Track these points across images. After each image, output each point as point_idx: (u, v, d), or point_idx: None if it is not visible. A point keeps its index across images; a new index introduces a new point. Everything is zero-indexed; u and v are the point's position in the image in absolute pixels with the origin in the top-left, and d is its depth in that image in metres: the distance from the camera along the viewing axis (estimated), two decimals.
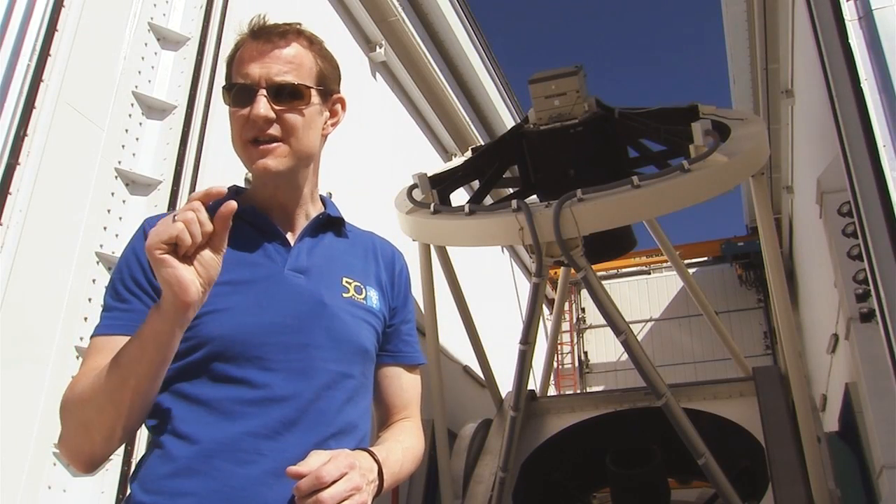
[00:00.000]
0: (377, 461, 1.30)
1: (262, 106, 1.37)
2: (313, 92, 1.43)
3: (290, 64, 1.41)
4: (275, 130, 1.39)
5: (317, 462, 1.18)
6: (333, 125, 1.53)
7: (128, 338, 1.29)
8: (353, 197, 4.67)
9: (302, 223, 1.50)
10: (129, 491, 1.36)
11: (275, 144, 1.39)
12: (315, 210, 1.53)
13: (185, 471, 1.24)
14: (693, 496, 5.72)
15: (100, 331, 1.35)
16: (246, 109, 1.38)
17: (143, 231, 1.41)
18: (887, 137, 2.61)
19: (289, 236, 1.47)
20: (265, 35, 1.42)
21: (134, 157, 3.21)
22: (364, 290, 1.47)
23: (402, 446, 1.45)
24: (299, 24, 1.47)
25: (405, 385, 1.57)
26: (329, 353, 1.36)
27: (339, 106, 1.53)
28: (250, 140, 1.39)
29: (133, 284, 1.36)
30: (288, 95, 1.39)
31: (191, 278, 1.16)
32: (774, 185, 8.79)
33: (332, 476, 1.16)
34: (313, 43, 1.47)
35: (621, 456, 4.78)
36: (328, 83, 1.48)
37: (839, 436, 4.58)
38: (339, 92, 1.53)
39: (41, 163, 2.61)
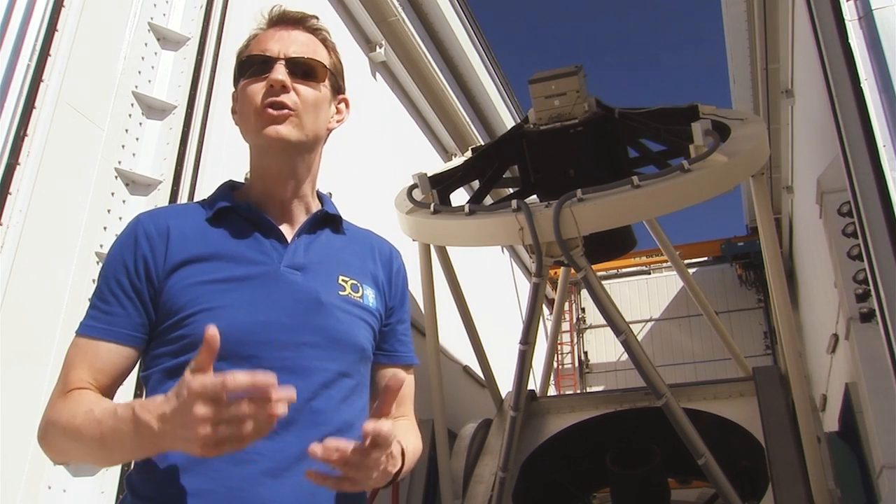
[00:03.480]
0: (403, 454, 1.32)
1: (281, 73, 1.39)
2: (328, 75, 1.47)
3: (307, 46, 1.45)
4: (289, 100, 1.40)
5: (386, 427, 1.17)
6: (338, 122, 1.54)
7: (104, 343, 1.32)
8: (353, 196, 4.67)
9: (299, 220, 1.49)
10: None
11: (287, 111, 1.40)
12: (313, 207, 1.52)
13: (182, 471, 1.24)
14: (693, 496, 5.72)
15: (81, 330, 1.36)
16: (263, 77, 1.40)
17: (134, 231, 1.40)
18: (887, 137, 2.61)
19: (286, 232, 1.45)
20: (284, 21, 1.46)
21: (134, 157, 3.21)
22: (361, 289, 1.47)
23: (411, 447, 1.44)
24: (315, 16, 1.51)
25: None
26: (324, 352, 1.35)
27: (343, 105, 1.55)
28: (264, 107, 1.39)
29: (116, 286, 1.35)
30: (305, 72, 1.43)
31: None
32: (774, 185, 8.79)
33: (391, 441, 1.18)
34: (326, 40, 1.51)
35: (621, 456, 4.78)
36: (337, 77, 1.52)
37: (839, 436, 4.58)
38: (344, 91, 1.55)
39: (41, 163, 2.61)
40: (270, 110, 1.39)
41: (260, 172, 1.48)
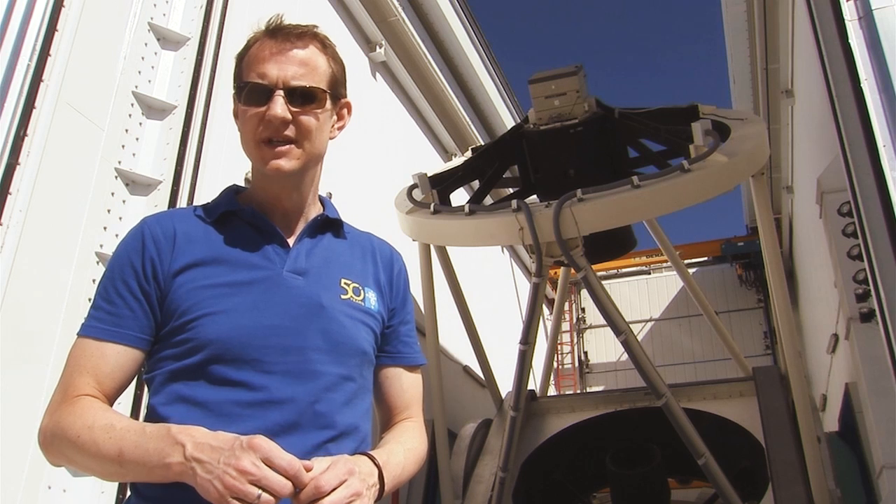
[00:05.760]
0: (377, 465, 1.29)
1: (280, 107, 1.36)
2: (327, 96, 1.44)
3: (306, 66, 1.41)
4: (289, 132, 1.39)
5: (317, 470, 1.17)
6: (339, 129, 1.53)
7: (112, 344, 1.31)
8: (353, 197, 4.67)
9: (301, 224, 1.50)
10: (128, 493, 1.35)
11: (288, 146, 1.39)
12: (314, 211, 1.53)
13: None
14: (693, 496, 5.73)
15: (84, 331, 1.35)
16: (261, 109, 1.38)
17: (141, 234, 1.40)
18: (887, 137, 2.61)
19: (288, 237, 1.46)
20: (283, 35, 1.42)
21: (134, 157, 3.21)
22: (362, 292, 1.47)
23: (404, 448, 1.44)
24: (315, 26, 1.48)
25: (406, 386, 1.57)
26: (327, 356, 1.35)
27: (345, 110, 1.53)
28: (264, 140, 1.39)
29: (123, 288, 1.35)
30: (303, 98, 1.40)
31: None
32: (774, 185, 8.79)
33: (331, 484, 1.15)
34: (327, 46, 1.47)
35: (621, 456, 4.78)
36: (338, 87, 1.49)
37: (839, 436, 4.58)
38: (346, 96, 1.53)
39: (41, 163, 2.61)
40: (275, 147, 1.39)
41: (263, 182, 1.49)
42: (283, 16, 1.45)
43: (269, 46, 1.41)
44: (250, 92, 1.40)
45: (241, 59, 1.46)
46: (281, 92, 1.37)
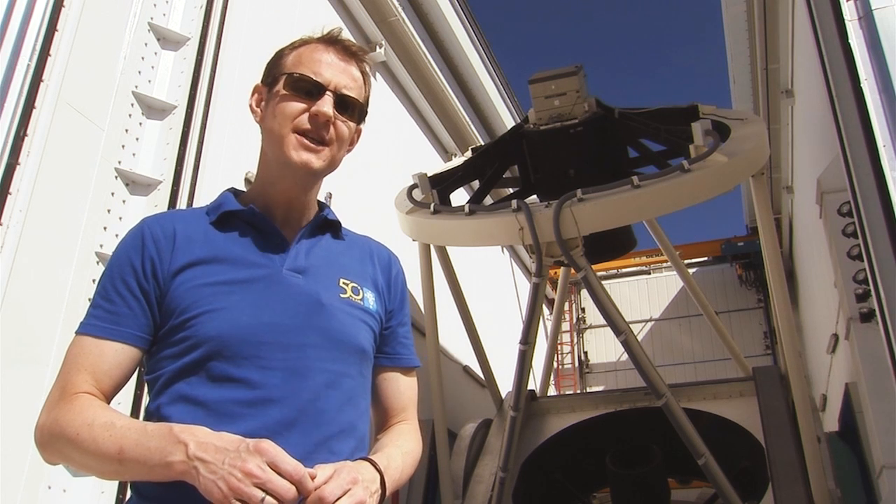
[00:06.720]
0: (379, 470, 1.30)
1: (329, 106, 1.43)
2: (361, 114, 1.52)
3: (355, 82, 1.50)
4: (329, 134, 1.44)
5: (321, 478, 1.17)
6: (348, 151, 1.57)
7: (111, 342, 1.31)
8: (353, 197, 4.68)
9: (301, 224, 1.51)
10: (129, 493, 1.35)
11: (321, 146, 1.44)
12: (313, 213, 1.55)
13: None
14: (693, 496, 5.72)
15: (82, 329, 1.35)
16: (307, 102, 1.43)
17: (141, 233, 1.41)
18: (887, 137, 2.61)
19: (288, 237, 1.47)
20: (341, 47, 1.50)
21: (134, 157, 3.21)
22: (361, 292, 1.48)
23: (402, 451, 1.45)
24: (365, 51, 1.56)
25: (402, 388, 1.57)
26: (326, 353, 1.36)
27: (356, 136, 1.58)
28: (300, 132, 1.43)
29: (123, 286, 1.36)
30: (347, 107, 1.47)
31: None
32: (774, 185, 8.79)
33: (335, 495, 1.16)
34: (367, 73, 1.56)
35: (621, 456, 4.78)
36: (365, 112, 1.55)
37: (839, 436, 4.58)
38: (363, 122, 1.58)
39: (41, 163, 2.61)
40: (309, 142, 1.42)
41: (270, 179, 1.50)
42: (342, 30, 1.53)
43: (328, 53, 1.48)
44: (301, 82, 1.45)
45: (285, 54, 1.51)
46: (331, 94, 1.44)
